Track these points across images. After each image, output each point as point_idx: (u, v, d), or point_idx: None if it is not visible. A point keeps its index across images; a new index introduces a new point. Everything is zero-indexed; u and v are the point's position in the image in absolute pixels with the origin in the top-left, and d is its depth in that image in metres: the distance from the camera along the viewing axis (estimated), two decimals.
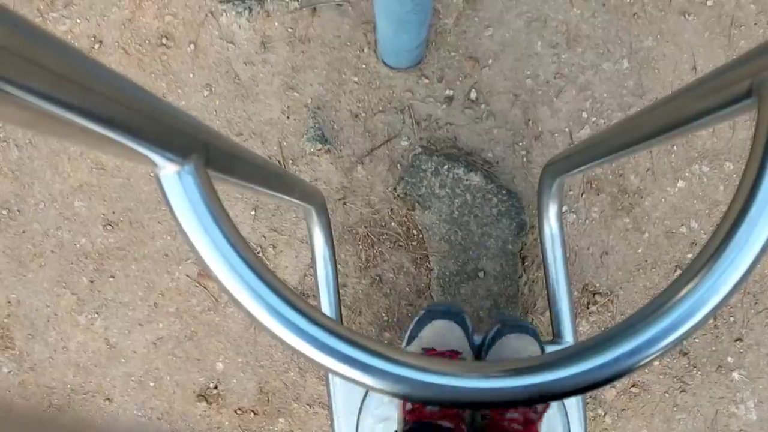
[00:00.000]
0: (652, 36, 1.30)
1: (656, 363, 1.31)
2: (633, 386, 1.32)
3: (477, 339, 1.07)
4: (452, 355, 0.91)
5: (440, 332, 0.98)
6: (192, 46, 1.31)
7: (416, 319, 1.03)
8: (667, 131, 0.54)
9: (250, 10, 1.29)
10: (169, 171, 0.38)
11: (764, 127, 0.38)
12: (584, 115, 1.30)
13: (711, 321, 1.31)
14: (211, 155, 0.42)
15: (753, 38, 1.30)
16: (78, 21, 1.32)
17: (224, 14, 1.30)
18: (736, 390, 1.32)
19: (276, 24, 1.30)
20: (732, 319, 1.31)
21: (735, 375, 1.31)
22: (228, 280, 0.40)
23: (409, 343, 1.01)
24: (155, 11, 1.31)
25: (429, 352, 0.93)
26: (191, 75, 1.31)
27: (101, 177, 1.32)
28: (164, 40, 1.31)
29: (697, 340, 1.31)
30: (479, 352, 1.05)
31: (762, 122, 0.38)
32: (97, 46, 1.31)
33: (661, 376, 1.31)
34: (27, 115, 0.25)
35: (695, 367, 1.31)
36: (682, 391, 1.32)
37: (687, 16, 1.30)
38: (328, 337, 0.41)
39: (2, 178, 1.32)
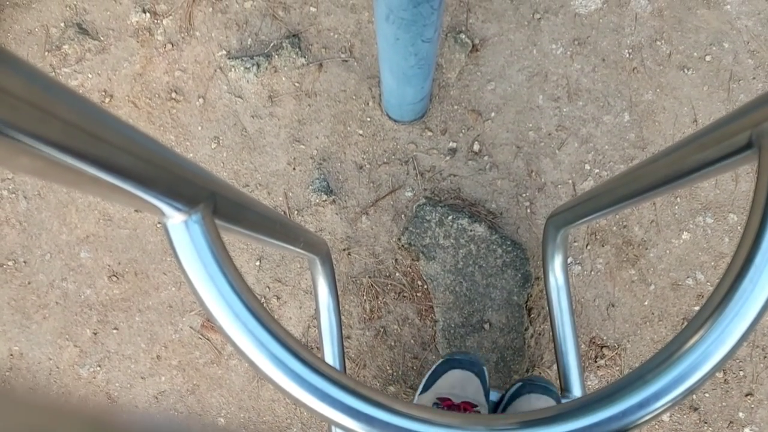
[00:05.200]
0: (652, 90, 1.32)
1: (666, 418, 1.28)
2: None
3: (495, 395, 1.06)
4: (467, 407, 0.90)
5: (458, 382, 0.96)
6: (201, 100, 1.33)
7: (434, 366, 1.02)
8: (669, 182, 0.54)
9: (258, 66, 1.32)
10: (176, 220, 0.39)
11: (765, 178, 0.38)
12: (587, 167, 1.31)
13: (720, 375, 1.29)
14: (218, 205, 0.42)
15: (752, 92, 1.32)
16: (90, 76, 1.35)
17: (233, 69, 1.33)
18: None
19: (283, 79, 1.33)
20: (742, 373, 1.29)
21: (747, 431, 1.28)
22: (233, 331, 0.40)
23: (424, 390, 0.99)
24: (165, 66, 1.35)
25: (445, 402, 0.91)
26: (199, 128, 1.33)
27: (108, 228, 1.33)
28: (174, 94, 1.34)
29: (707, 395, 1.29)
30: (495, 409, 1.03)
31: (763, 172, 0.39)
32: (107, 100, 1.34)
33: None
34: (40, 165, 0.26)
35: (706, 422, 1.28)
36: None
37: (686, 71, 1.32)
38: (332, 388, 0.40)
39: (9, 229, 1.33)
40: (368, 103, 1.32)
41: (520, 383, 1.04)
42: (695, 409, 1.29)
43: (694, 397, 1.29)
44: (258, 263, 1.31)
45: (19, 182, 1.35)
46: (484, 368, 1.02)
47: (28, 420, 0.17)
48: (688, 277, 1.30)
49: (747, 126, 0.42)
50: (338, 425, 0.40)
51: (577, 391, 1.04)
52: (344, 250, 1.30)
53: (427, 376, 1.01)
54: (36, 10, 1.36)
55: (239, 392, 1.31)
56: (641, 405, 0.39)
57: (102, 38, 1.36)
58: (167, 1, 1.36)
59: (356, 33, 1.34)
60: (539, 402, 0.98)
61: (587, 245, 1.30)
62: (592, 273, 1.30)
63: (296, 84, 1.33)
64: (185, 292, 1.32)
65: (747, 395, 1.28)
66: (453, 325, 1.27)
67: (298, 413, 1.30)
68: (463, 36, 1.32)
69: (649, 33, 1.34)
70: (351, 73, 1.33)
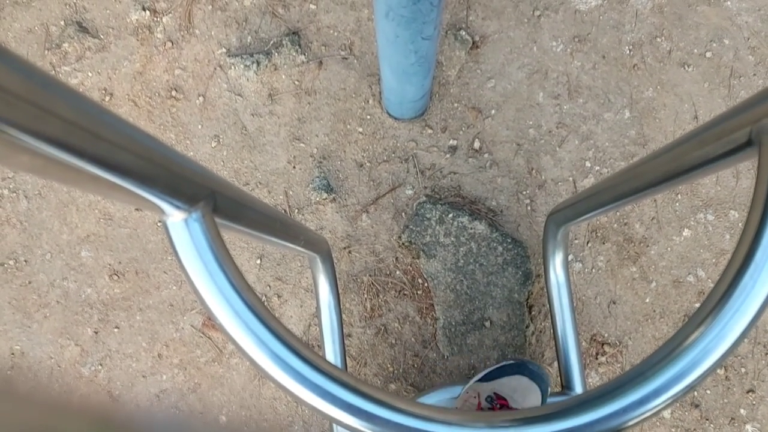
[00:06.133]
0: (653, 87, 1.32)
1: (667, 415, 1.28)
2: None
3: None
4: None
5: (522, 389, 0.96)
6: (201, 98, 1.33)
7: (504, 363, 1.01)
8: (669, 179, 0.54)
9: (258, 64, 1.32)
10: (176, 218, 0.39)
11: (765, 174, 0.38)
12: (587, 164, 1.31)
13: (722, 372, 1.29)
14: (218, 203, 0.42)
15: (752, 88, 1.32)
16: (90, 74, 1.35)
17: (233, 67, 1.33)
18: None
19: (283, 77, 1.33)
20: (743, 370, 1.29)
21: (748, 428, 1.28)
22: (234, 328, 0.40)
23: (485, 380, 0.98)
24: (165, 65, 1.34)
25: (500, 400, 0.91)
26: (200, 126, 1.33)
27: (108, 227, 1.33)
28: (174, 93, 1.34)
29: (708, 392, 1.29)
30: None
31: (763, 169, 0.39)
32: (107, 98, 1.34)
33: (673, 430, 1.29)
34: (40, 163, 0.26)
35: (707, 419, 1.28)
36: None
37: (686, 68, 1.32)
38: (333, 386, 0.40)
39: (10, 229, 1.33)
40: (368, 101, 1.32)
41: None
42: (696, 406, 1.29)
43: (696, 393, 1.29)
44: (259, 262, 1.31)
45: (20, 181, 1.35)
46: (548, 388, 1.02)
47: (30, 418, 0.17)
48: (689, 274, 1.29)
49: (747, 122, 0.42)
50: (340, 423, 0.40)
51: (578, 388, 1.04)
52: (345, 248, 1.30)
53: (493, 368, 1.00)
54: (36, 8, 1.36)
55: (241, 390, 1.31)
56: (642, 401, 0.39)
57: (102, 36, 1.36)
58: None
59: (356, 30, 1.34)
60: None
61: (588, 243, 1.30)
62: (593, 270, 1.30)
63: (296, 82, 1.33)
64: (186, 290, 1.32)
65: (748, 392, 1.28)
66: (454, 323, 1.27)
67: (299, 411, 1.30)
68: (463, 33, 1.32)
69: (649, 30, 1.34)
70: (351, 71, 1.33)
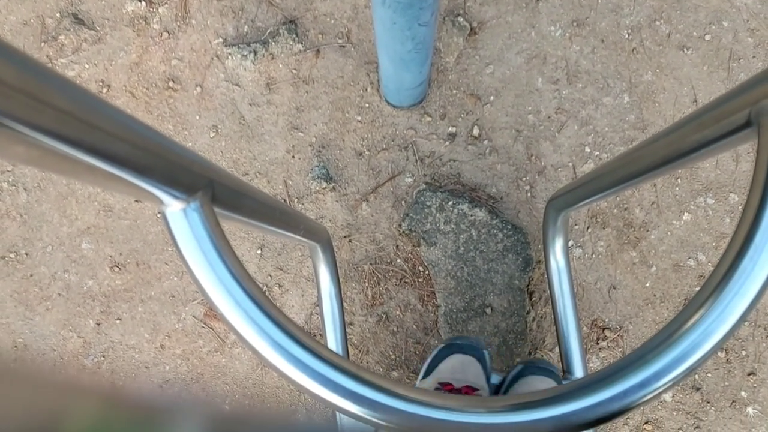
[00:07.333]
0: (652, 70, 1.32)
1: (668, 398, 1.29)
2: (646, 423, 1.29)
3: (496, 378, 1.06)
4: (468, 390, 0.90)
5: (459, 367, 0.97)
6: (198, 88, 1.33)
7: (435, 351, 1.02)
8: (669, 163, 0.54)
9: (255, 53, 1.31)
10: (175, 208, 0.39)
11: (765, 155, 0.38)
12: (587, 149, 1.30)
13: (723, 355, 1.29)
14: (216, 192, 0.42)
15: (752, 71, 1.31)
16: (86, 66, 1.34)
17: (230, 57, 1.32)
18: (751, 426, 1.29)
19: (280, 66, 1.33)
20: (744, 352, 1.29)
21: (750, 410, 1.29)
22: (234, 318, 0.40)
23: (426, 375, 0.99)
24: (162, 55, 1.34)
25: (446, 386, 0.92)
26: (197, 117, 1.33)
27: (108, 219, 1.33)
28: (171, 83, 1.33)
29: (709, 375, 1.29)
30: (497, 391, 1.03)
31: (762, 151, 0.39)
32: (105, 90, 1.34)
33: (674, 413, 1.29)
34: (36, 154, 0.26)
35: (708, 402, 1.29)
36: (696, 428, 1.29)
37: (685, 51, 1.32)
38: (335, 374, 0.40)
39: (10, 222, 1.33)
40: (366, 89, 1.32)
41: (521, 366, 1.04)
42: (698, 389, 1.29)
43: (697, 377, 1.29)
44: (259, 252, 1.32)
45: (19, 174, 1.34)
46: (485, 352, 1.02)
47: (39, 400, 0.17)
48: (689, 258, 1.30)
49: (746, 104, 0.41)
50: (342, 410, 0.40)
51: (579, 373, 1.05)
52: (345, 237, 1.30)
53: (428, 361, 1.02)
54: (31, 0, 1.36)
55: (243, 380, 1.32)
56: (642, 385, 0.39)
57: (98, 28, 1.35)
58: None
59: (353, 18, 1.34)
60: (541, 384, 0.98)
61: (588, 228, 1.30)
62: (593, 256, 1.30)
63: (293, 71, 1.33)
64: (187, 281, 1.33)
65: (749, 374, 1.29)
66: (455, 310, 1.28)
67: (302, 399, 1.31)
68: (461, 19, 1.31)
69: (648, 13, 1.33)
70: (348, 59, 1.33)
